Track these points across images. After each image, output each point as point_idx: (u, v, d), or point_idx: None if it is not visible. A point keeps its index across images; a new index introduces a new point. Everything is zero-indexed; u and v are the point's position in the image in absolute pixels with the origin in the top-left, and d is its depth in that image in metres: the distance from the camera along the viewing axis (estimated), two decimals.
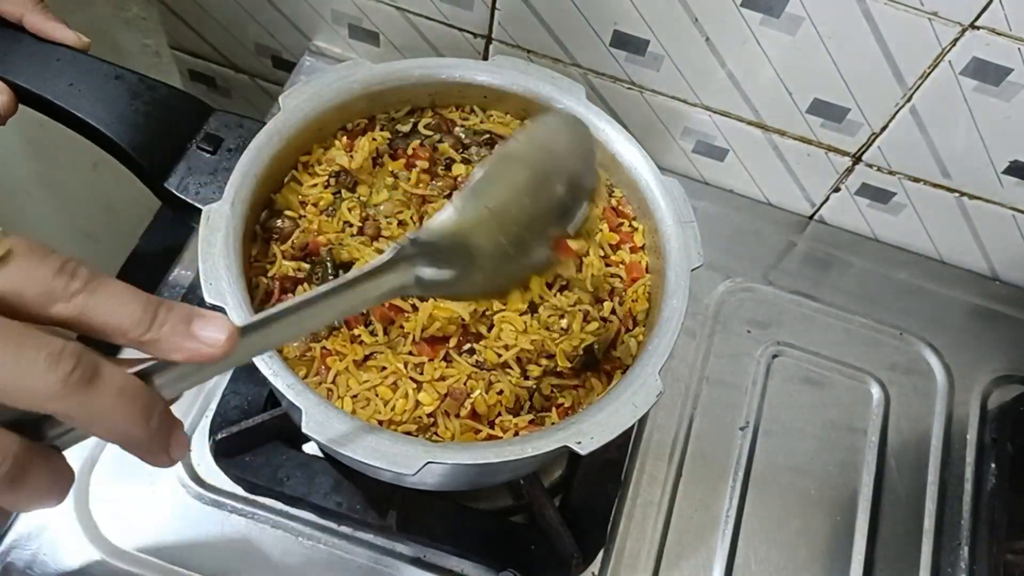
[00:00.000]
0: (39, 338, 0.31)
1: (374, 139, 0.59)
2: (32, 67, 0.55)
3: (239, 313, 0.47)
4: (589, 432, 0.47)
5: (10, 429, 0.32)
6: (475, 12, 0.76)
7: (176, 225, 0.74)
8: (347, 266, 0.54)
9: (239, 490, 0.64)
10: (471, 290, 0.47)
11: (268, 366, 0.46)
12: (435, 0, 0.76)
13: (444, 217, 0.44)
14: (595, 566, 0.65)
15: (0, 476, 0.31)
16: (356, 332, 0.52)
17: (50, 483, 0.34)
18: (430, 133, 0.61)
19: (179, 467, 0.64)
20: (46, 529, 0.60)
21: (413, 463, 0.44)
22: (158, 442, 0.35)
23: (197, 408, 0.66)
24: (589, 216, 0.51)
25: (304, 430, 0.45)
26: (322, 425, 0.45)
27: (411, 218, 0.57)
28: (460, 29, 0.79)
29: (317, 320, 0.39)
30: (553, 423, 0.52)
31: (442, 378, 0.51)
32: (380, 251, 0.54)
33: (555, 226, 0.49)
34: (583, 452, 0.47)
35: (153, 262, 0.80)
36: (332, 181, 0.57)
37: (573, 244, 0.50)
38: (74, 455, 0.66)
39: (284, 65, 0.90)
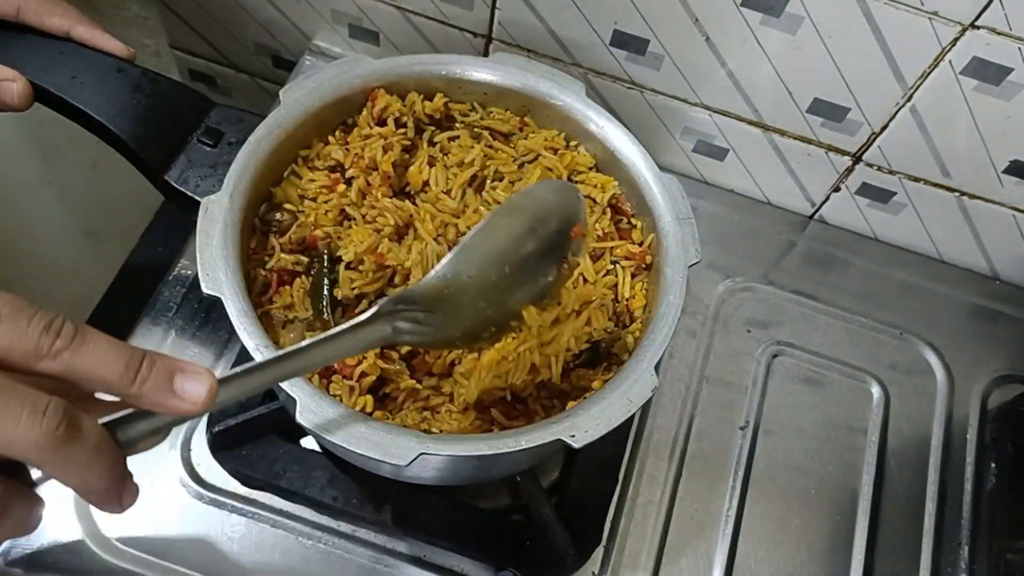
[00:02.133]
0: (26, 394, 0.33)
1: None
2: (36, 60, 0.55)
3: (236, 303, 0.47)
4: (583, 426, 0.47)
5: None
6: (475, 12, 0.76)
7: (177, 223, 0.74)
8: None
9: (239, 489, 0.63)
10: (450, 342, 0.49)
11: (263, 357, 0.46)
12: (435, 0, 0.77)
13: (427, 283, 0.46)
14: (595, 565, 0.65)
15: None
16: None
17: (26, 517, 0.37)
18: None
19: (179, 466, 0.64)
20: (46, 529, 0.60)
21: (406, 454, 0.44)
22: (115, 492, 0.37)
23: None
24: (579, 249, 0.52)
25: (297, 419, 0.45)
26: (315, 415, 0.45)
27: None
28: (460, 29, 0.79)
29: (294, 369, 0.41)
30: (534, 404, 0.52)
31: None
32: (378, 231, 0.55)
33: (532, 290, 0.50)
34: (577, 445, 0.47)
35: (154, 260, 0.80)
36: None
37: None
38: None
39: (284, 65, 0.90)
